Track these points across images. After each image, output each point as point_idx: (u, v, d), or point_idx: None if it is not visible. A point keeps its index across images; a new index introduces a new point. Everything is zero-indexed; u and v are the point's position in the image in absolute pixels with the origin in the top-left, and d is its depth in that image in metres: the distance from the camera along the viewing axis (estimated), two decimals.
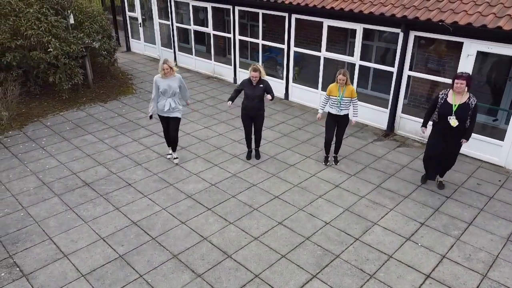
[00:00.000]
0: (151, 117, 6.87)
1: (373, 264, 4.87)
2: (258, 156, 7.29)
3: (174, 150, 7.11)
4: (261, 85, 6.70)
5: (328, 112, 6.84)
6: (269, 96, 6.79)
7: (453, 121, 5.72)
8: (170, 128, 6.83)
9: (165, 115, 6.71)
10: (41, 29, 8.96)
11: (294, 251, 5.06)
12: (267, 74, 10.69)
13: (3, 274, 4.66)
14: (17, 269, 4.73)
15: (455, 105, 5.70)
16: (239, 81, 11.31)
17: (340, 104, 6.63)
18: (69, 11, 10.00)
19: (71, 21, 10.09)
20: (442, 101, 5.81)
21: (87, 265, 4.80)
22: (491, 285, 4.57)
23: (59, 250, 5.04)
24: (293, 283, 4.57)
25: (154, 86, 6.57)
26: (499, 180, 6.70)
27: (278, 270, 4.75)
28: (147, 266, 4.79)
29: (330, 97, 6.70)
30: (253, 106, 6.75)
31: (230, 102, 6.80)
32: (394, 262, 4.90)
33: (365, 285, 4.56)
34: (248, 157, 7.25)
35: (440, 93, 5.88)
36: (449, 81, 7.37)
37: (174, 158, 7.11)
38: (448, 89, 5.84)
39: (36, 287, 4.48)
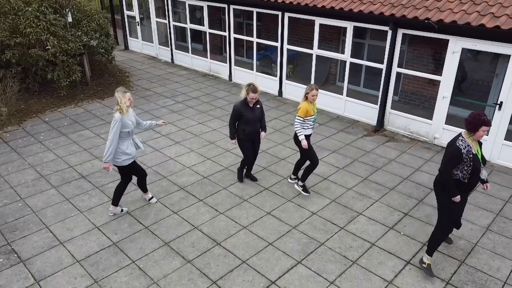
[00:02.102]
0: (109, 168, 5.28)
1: (356, 251, 5.08)
2: (255, 178, 6.62)
3: (146, 189, 5.98)
4: (258, 105, 6.00)
5: (305, 136, 5.81)
6: (263, 133, 6.22)
7: (484, 173, 4.58)
8: (139, 166, 5.71)
9: (135, 156, 5.46)
10: (39, 27, 9.17)
11: (281, 239, 5.27)
12: (262, 72, 11.01)
13: (1, 260, 4.87)
14: (15, 255, 4.95)
15: (479, 153, 4.43)
16: (234, 79, 11.53)
17: (314, 122, 5.96)
18: (67, 10, 10.21)
19: (69, 19, 10.30)
20: (470, 155, 4.28)
21: (82, 251, 5.01)
22: (468, 271, 4.78)
23: (55, 238, 5.25)
24: (278, 268, 4.78)
25: (117, 128, 5.03)
26: None
27: (265, 257, 4.96)
28: (140, 253, 5.00)
29: (306, 119, 5.74)
30: (256, 130, 6.07)
31: (234, 140, 6.13)
32: (376, 250, 5.11)
33: (347, 271, 4.76)
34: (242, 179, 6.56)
35: (461, 146, 4.25)
36: (436, 77, 7.60)
37: (150, 198, 6.02)
38: (462, 138, 4.32)
39: (33, 271, 4.69)
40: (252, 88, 5.76)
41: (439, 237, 4.68)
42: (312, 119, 5.83)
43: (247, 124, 5.95)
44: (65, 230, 5.41)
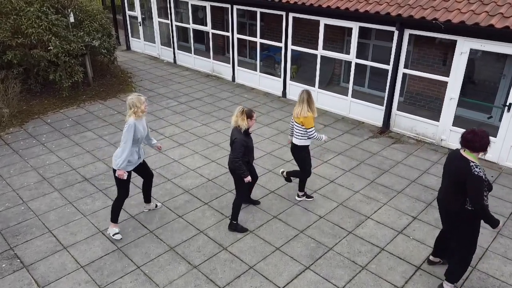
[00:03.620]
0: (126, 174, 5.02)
1: (365, 256, 4.98)
2: (258, 202, 6.03)
3: (150, 200, 5.80)
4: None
5: (307, 146, 5.72)
6: None
7: None
8: (148, 170, 5.53)
9: (137, 165, 5.22)
10: (41, 27, 9.08)
11: (288, 243, 5.18)
12: (265, 73, 10.92)
13: (4, 265, 4.78)
14: (18, 260, 4.85)
15: None
16: (237, 79, 11.43)
17: None
18: (69, 10, 10.12)
19: (71, 19, 10.22)
20: (486, 178, 4.10)
21: (86, 256, 4.92)
22: (479, 277, 4.68)
23: (58, 242, 5.16)
24: (286, 274, 4.68)
25: (130, 133, 4.80)
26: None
27: (272, 262, 4.86)
28: (145, 258, 4.90)
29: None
30: (252, 159, 5.42)
31: (249, 177, 5.15)
32: (386, 255, 5.01)
33: (357, 276, 4.67)
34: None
35: (480, 173, 3.95)
36: (443, 78, 7.50)
37: (156, 206, 5.90)
38: (474, 163, 4.00)
39: (36, 277, 4.60)
40: (249, 112, 5.04)
41: (463, 271, 4.34)
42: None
43: (250, 153, 5.25)
44: (69, 234, 5.31)
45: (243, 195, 5.45)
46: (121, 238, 5.21)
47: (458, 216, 4.15)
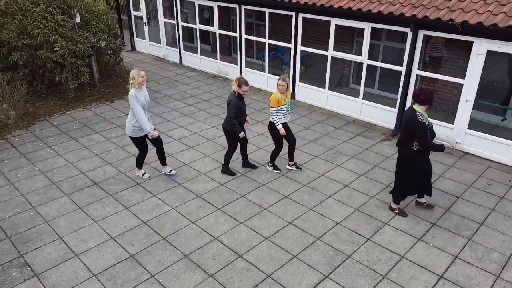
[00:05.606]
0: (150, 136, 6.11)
1: (385, 264, 4.84)
2: (255, 166, 7.00)
3: (165, 162, 6.69)
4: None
5: (282, 124, 6.41)
6: (248, 118, 6.70)
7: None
8: (157, 139, 6.32)
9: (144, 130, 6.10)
10: (47, 28, 8.95)
11: (306, 251, 5.04)
12: (273, 74, 10.77)
13: (14, 273, 4.65)
14: (28, 268, 4.72)
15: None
16: None
17: (289, 110, 6.45)
18: (75, 10, 9.99)
19: (78, 20, 10.09)
20: (429, 126, 5.16)
21: (98, 264, 4.79)
22: (504, 286, 4.54)
23: (69, 249, 5.02)
24: (305, 283, 4.55)
25: (135, 103, 5.78)
26: (510, 180, 6.65)
27: (290, 270, 4.73)
28: (159, 266, 4.77)
29: (279, 108, 6.29)
30: (244, 119, 6.51)
31: (242, 132, 6.40)
32: (407, 263, 4.87)
33: (378, 286, 4.53)
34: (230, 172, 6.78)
35: (423, 120, 5.05)
36: (459, 80, 7.35)
37: (170, 171, 6.71)
38: (419, 113, 5.09)
39: (48, 287, 4.47)
40: (244, 81, 6.09)
41: (401, 196, 5.65)
42: (284, 109, 6.33)
43: (242, 116, 6.35)
44: (80, 241, 5.18)
45: (234, 148, 6.60)
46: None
47: (407, 155, 5.26)
